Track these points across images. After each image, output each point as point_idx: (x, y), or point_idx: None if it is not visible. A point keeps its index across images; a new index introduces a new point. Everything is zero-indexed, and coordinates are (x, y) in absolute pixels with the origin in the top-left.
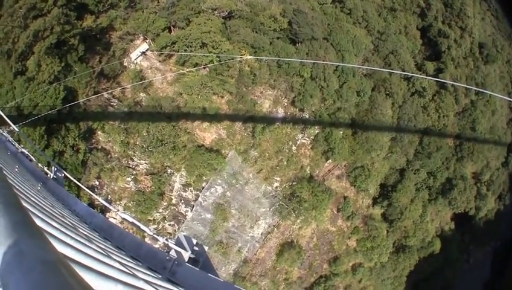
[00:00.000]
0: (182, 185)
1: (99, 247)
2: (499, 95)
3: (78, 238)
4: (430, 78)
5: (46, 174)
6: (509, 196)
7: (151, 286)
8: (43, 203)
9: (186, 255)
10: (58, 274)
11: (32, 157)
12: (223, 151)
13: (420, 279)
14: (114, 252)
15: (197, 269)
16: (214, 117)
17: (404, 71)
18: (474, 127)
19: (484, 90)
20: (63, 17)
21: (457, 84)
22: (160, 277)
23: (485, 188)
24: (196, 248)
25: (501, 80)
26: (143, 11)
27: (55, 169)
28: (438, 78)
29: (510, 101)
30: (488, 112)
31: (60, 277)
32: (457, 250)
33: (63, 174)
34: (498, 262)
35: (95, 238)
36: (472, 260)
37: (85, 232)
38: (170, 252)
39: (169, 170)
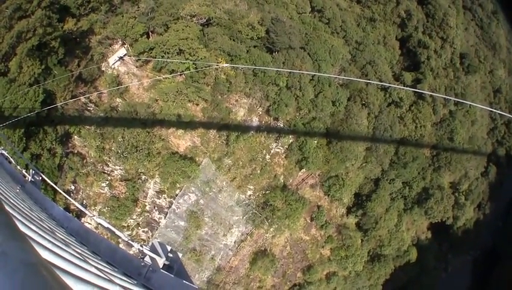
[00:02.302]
0: (156, 191)
1: (76, 251)
2: (478, 105)
3: (56, 243)
4: (407, 88)
5: (24, 177)
6: (490, 206)
7: None
8: (22, 206)
9: (161, 261)
10: (40, 276)
11: (11, 159)
12: (197, 159)
13: (396, 288)
14: (90, 257)
15: (172, 275)
16: (189, 124)
17: (381, 81)
18: (452, 137)
19: (463, 101)
20: (46, 19)
21: (435, 94)
22: (135, 282)
23: (463, 198)
24: (170, 255)
25: (482, 90)
26: (123, 16)
27: (33, 172)
28: (416, 88)
29: (490, 110)
30: (468, 122)
31: (43, 279)
32: (435, 259)
33: (40, 178)
34: (479, 271)
35: (71, 243)
36: (450, 268)
37: (62, 237)
38: (145, 259)
39: (143, 177)
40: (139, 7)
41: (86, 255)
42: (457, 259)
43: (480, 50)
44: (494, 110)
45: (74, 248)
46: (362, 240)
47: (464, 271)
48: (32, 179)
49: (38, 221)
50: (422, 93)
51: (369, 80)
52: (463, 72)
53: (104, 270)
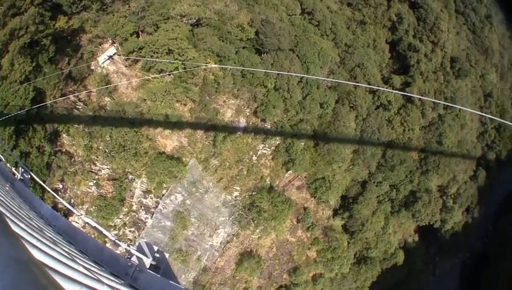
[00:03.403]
0: (143, 191)
1: (65, 250)
2: (468, 109)
3: (45, 241)
4: (395, 91)
5: (14, 175)
6: (479, 209)
7: None
8: (12, 204)
9: (148, 261)
10: (31, 273)
11: (1, 156)
12: (184, 159)
13: None
14: (78, 256)
15: (159, 275)
16: (176, 124)
17: (370, 84)
18: (441, 140)
19: (452, 104)
20: (38, 16)
21: (424, 98)
22: (122, 282)
23: (452, 201)
24: (157, 255)
25: (473, 94)
26: (113, 15)
27: (22, 170)
28: (405, 91)
29: (480, 115)
30: (457, 126)
31: (33, 276)
32: (422, 262)
33: (29, 176)
34: (468, 274)
35: (60, 242)
36: (438, 271)
37: (50, 235)
38: (132, 258)
39: (130, 176)
40: (130, 6)
41: (74, 254)
42: (446, 262)
43: (471, 54)
44: (484, 114)
45: (62, 247)
46: (348, 242)
47: (453, 274)
48: (22, 177)
49: (27, 219)
50: (411, 96)
51: (357, 82)
52: (453, 76)
53: (92, 270)
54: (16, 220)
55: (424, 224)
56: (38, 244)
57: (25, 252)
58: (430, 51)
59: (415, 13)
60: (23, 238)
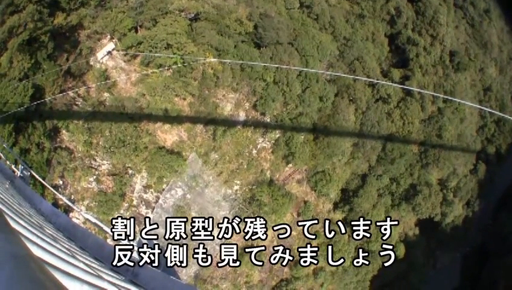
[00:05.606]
0: (143, 186)
1: (65, 247)
2: (468, 103)
3: (45, 238)
4: (395, 84)
5: (14, 172)
6: (479, 203)
7: (116, 287)
8: (11, 201)
9: None
10: (29, 268)
11: (1, 154)
12: (184, 154)
13: (384, 284)
14: (78, 252)
15: (159, 271)
16: (176, 119)
17: (369, 78)
18: (441, 134)
19: (451, 98)
20: (37, 14)
21: (423, 91)
22: (123, 278)
23: (452, 195)
24: (158, 250)
25: (472, 88)
26: (112, 10)
27: (22, 167)
28: (404, 85)
29: (480, 108)
30: (456, 119)
31: (31, 271)
32: (423, 255)
33: (29, 173)
34: (469, 268)
35: (60, 238)
36: (439, 265)
37: (50, 232)
38: (133, 254)
39: (130, 171)
40: (128, 1)
41: (74, 250)
42: (446, 256)
43: (470, 48)
44: (483, 108)
45: (62, 244)
46: (349, 236)
47: (453, 268)
48: (21, 175)
49: (27, 216)
50: (410, 90)
51: (356, 76)
52: (452, 70)
53: (92, 266)
54: (15, 217)
55: (424, 217)
56: (38, 241)
57: (23, 248)
58: (429, 44)
59: (414, 7)
60: (22, 235)
